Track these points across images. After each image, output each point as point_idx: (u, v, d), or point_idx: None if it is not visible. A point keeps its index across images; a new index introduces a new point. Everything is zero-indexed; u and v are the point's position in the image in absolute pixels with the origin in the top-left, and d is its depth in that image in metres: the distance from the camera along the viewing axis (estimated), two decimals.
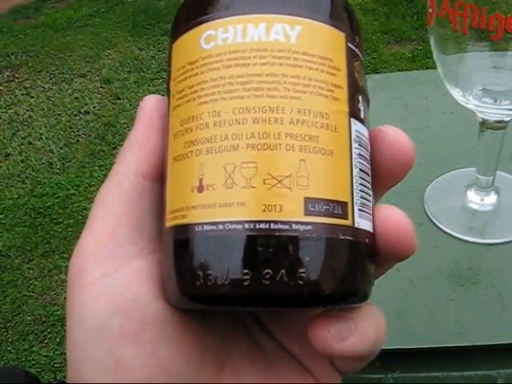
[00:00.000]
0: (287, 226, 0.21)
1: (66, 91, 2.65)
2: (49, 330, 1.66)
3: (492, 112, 0.45)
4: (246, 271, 0.20)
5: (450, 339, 0.45)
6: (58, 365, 1.58)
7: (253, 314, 0.27)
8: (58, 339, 1.63)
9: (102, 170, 2.18)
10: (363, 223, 0.23)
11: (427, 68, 2.38)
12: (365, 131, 0.24)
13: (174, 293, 0.22)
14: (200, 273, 0.21)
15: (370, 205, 0.24)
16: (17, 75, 2.83)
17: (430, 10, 0.42)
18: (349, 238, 0.22)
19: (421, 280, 0.50)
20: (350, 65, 0.24)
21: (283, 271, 0.20)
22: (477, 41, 0.40)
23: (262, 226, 0.21)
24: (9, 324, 1.69)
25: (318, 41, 0.23)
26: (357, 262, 0.23)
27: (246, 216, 0.21)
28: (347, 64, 0.24)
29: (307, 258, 0.21)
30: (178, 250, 0.22)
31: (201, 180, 0.22)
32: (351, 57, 0.24)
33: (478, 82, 0.45)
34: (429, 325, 0.46)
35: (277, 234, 0.21)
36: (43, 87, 2.71)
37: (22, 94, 2.68)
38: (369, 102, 0.26)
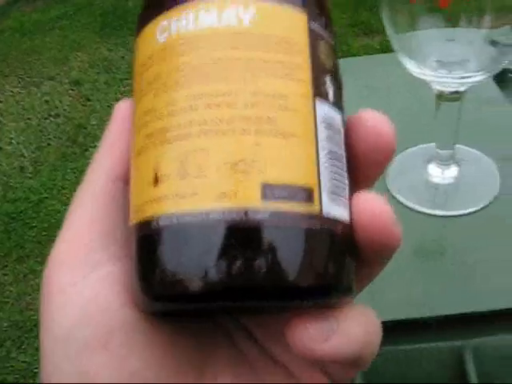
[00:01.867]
0: (242, 214, 0.19)
1: (35, 95, 2.63)
2: (26, 335, 1.64)
3: (447, 82, 0.45)
4: (203, 265, 0.19)
5: (418, 311, 0.45)
6: (37, 370, 1.56)
7: (236, 319, 0.26)
8: (35, 344, 1.61)
9: (75, 173, 2.16)
10: (335, 210, 0.21)
11: None
12: (335, 114, 0.23)
13: (140, 294, 0.21)
14: (160, 269, 0.20)
15: (345, 192, 0.22)
16: None
17: None
18: (316, 226, 0.20)
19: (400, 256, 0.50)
20: (313, 45, 0.23)
21: (240, 262, 0.19)
22: (427, 12, 0.40)
23: (216, 215, 0.19)
24: None
25: (275, 22, 0.22)
26: (327, 253, 0.21)
27: (200, 206, 0.20)
28: (310, 44, 0.23)
29: (265, 247, 0.19)
30: (140, 248, 0.21)
31: (156, 172, 0.21)
32: (315, 37, 0.23)
33: (432, 53, 0.45)
34: (396, 298, 0.47)
35: (233, 223, 0.19)
36: (12, 91, 2.67)
37: None
38: (341, 86, 0.24)
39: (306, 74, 0.22)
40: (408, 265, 0.49)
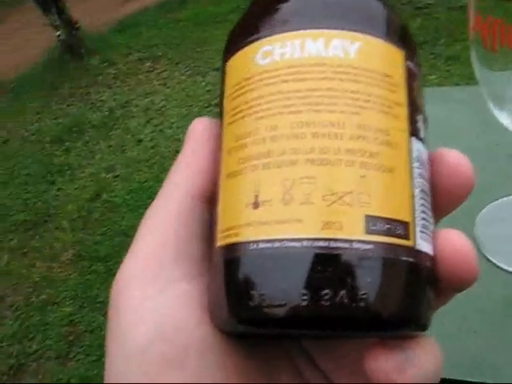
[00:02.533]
0: (347, 245, 0.20)
1: (199, 83, 2.77)
2: None
3: None
4: (303, 292, 0.19)
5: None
6: None
7: (299, 342, 0.26)
8: None
9: None
10: (424, 245, 0.22)
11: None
12: (424, 151, 0.23)
13: (225, 315, 0.21)
14: (254, 293, 0.20)
15: (431, 227, 0.23)
16: (156, 66, 3.00)
17: (470, 26, 0.40)
18: (411, 259, 0.21)
19: (472, 312, 0.48)
20: (409, 83, 0.23)
21: (343, 292, 0.19)
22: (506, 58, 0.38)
23: (321, 243, 0.20)
24: None
25: (378, 57, 0.23)
26: (419, 286, 0.21)
27: (305, 233, 0.20)
28: (406, 82, 0.23)
29: (368, 279, 0.20)
30: (230, 270, 0.21)
31: (256, 196, 0.21)
32: (410, 75, 0.24)
33: None
34: (479, 356, 0.45)
35: (337, 252, 0.20)
36: (179, 78, 2.84)
37: (160, 85, 2.84)
38: (427, 123, 0.25)
39: (404, 110, 0.23)
40: (492, 321, 0.47)
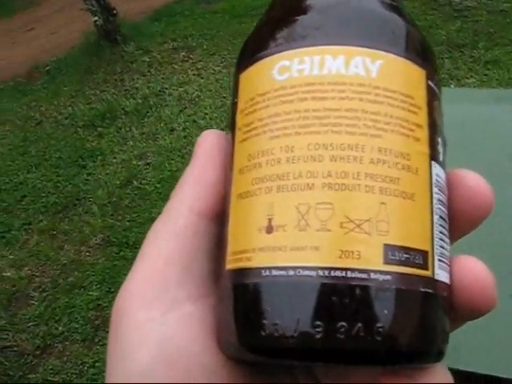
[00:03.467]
0: (365, 275, 0.19)
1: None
2: None
3: None
4: (318, 323, 0.19)
5: None
6: None
7: (307, 367, 0.25)
8: None
9: None
10: (442, 275, 0.21)
11: None
12: (443, 175, 0.23)
13: (233, 342, 0.21)
14: (266, 322, 0.19)
15: (448, 255, 0.22)
16: (191, 56, 2.99)
17: None
18: (429, 290, 0.20)
19: None
20: (430, 104, 0.22)
21: (360, 325, 0.19)
22: None
23: (338, 273, 0.19)
24: None
25: (399, 76, 0.22)
26: (436, 317, 0.21)
27: (321, 262, 0.19)
28: (427, 103, 0.22)
29: (386, 312, 0.19)
30: (241, 295, 0.21)
31: (270, 220, 0.20)
32: (431, 95, 0.23)
33: None
34: None
35: (354, 283, 0.19)
36: (214, 69, 2.84)
37: (194, 75, 2.83)
38: (446, 145, 0.24)
39: (424, 133, 0.22)
40: None
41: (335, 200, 0.20)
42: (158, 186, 2.18)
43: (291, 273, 0.19)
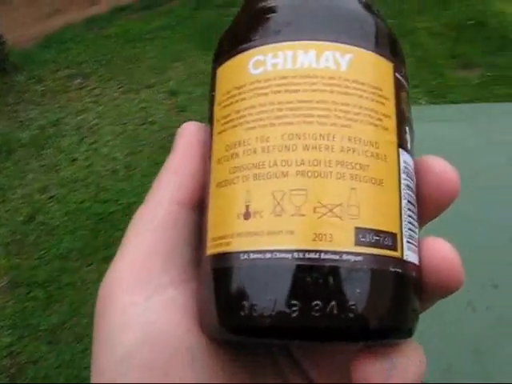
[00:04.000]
0: (337, 256, 0.20)
1: (133, 101, 2.72)
2: None
3: None
4: (294, 302, 0.20)
5: None
6: None
7: (284, 346, 0.26)
8: None
9: None
10: (411, 256, 0.22)
11: (496, 96, 2.34)
12: (411, 162, 0.24)
13: (214, 323, 0.22)
14: (245, 303, 0.20)
15: (417, 237, 0.23)
16: (87, 83, 2.92)
17: None
18: (398, 270, 0.21)
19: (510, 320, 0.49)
20: (397, 95, 0.24)
21: (333, 303, 0.20)
22: None
23: (312, 255, 0.20)
24: (65, 325, 1.73)
25: (368, 69, 0.23)
26: (406, 296, 0.22)
27: (296, 245, 0.20)
28: (395, 94, 0.24)
29: (358, 290, 0.20)
30: (221, 279, 0.22)
31: (247, 206, 0.21)
32: (398, 87, 0.24)
33: None
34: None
35: (327, 264, 0.20)
36: (111, 96, 2.78)
37: (91, 102, 2.76)
38: (413, 133, 0.25)
39: (392, 123, 0.23)
40: None
41: (308, 186, 0.21)
42: (65, 219, 2.10)
43: (268, 256, 0.20)
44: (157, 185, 0.25)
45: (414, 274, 0.22)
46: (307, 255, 0.20)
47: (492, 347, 0.47)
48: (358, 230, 0.21)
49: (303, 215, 0.21)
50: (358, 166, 0.21)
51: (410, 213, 0.23)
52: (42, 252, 1.98)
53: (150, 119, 2.58)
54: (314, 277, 0.20)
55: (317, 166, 0.21)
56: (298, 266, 0.20)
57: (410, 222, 0.23)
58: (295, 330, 0.20)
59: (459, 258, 0.22)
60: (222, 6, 3.42)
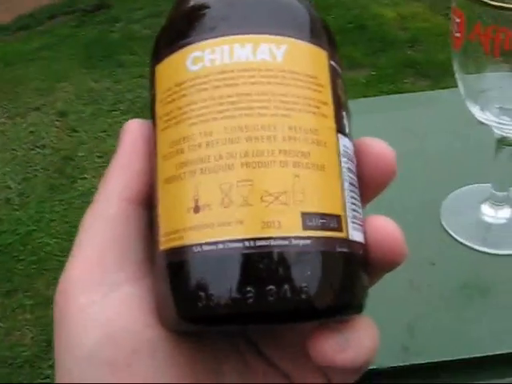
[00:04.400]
0: (287, 242, 0.21)
1: (20, 125, 2.60)
2: (17, 372, 1.60)
3: (509, 128, 0.47)
4: (249, 289, 0.21)
5: (470, 349, 0.46)
6: None
7: (243, 332, 0.27)
8: (25, 382, 1.57)
9: (63, 205, 2.13)
10: (356, 235, 0.23)
11: (381, 93, 2.45)
12: (350, 145, 0.25)
13: (174, 316, 0.22)
14: (202, 294, 0.21)
15: (361, 216, 0.24)
16: None
17: (458, 35, 0.44)
18: (345, 250, 0.22)
19: (452, 293, 0.51)
20: (333, 82, 0.24)
21: (286, 286, 0.21)
22: (503, 62, 0.42)
23: (263, 242, 0.21)
24: None
25: (303, 59, 0.24)
26: (354, 274, 0.23)
27: (246, 234, 0.21)
28: (331, 81, 0.24)
29: (309, 272, 0.21)
30: (177, 272, 0.22)
31: (196, 200, 0.22)
32: (334, 74, 0.25)
33: (496, 99, 0.46)
34: (455, 337, 0.47)
35: (278, 249, 0.21)
36: None
37: None
38: (350, 117, 0.26)
39: (330, 109, 0.24)
40: (456, 299, 0.51)
41: (254, 177, 0.21)
42: None
43: (220, 246, 0.21)
44: (105, 183, 0.25)
45: (360, 251, 0.23)
46: (258, 243, 0.21)
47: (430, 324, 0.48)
48: (305, 214, 0.21)
49: (251, 205, 0.21)
50: (299, 154, 0.22)
51: (353, 194, 0.24)
52: None
53: (41, 142, 2.48)
54: (265, 263, 0.21)
55: (260, 156, 0.22)
56: (250, 254, 0.21)
57: (353, 203, 0.24)
58: (252, 315, 0.21)
59: (401, 233, 0.24)
60: (104, 22, 3.36)
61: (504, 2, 0.41)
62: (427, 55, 2.62)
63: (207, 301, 0.21)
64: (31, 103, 2.73)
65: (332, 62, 0.25)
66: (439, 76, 2.39)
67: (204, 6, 0.25)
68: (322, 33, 0.26)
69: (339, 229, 0.22)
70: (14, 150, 2.46)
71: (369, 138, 0.25)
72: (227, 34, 0.24)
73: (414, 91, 2.35)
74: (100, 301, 0.22)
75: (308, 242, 0.21)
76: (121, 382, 0.21)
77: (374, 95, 2.39)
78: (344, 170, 0.24)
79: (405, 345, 0.46)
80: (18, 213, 2.13)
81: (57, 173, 2.30)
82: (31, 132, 2.55)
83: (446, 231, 0.56)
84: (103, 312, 0.22)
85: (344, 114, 0.25)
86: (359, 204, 0.24)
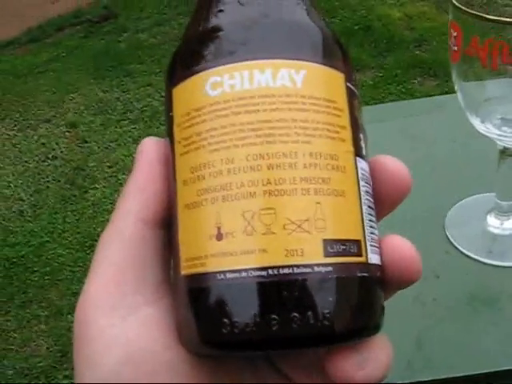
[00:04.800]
0: (310, 269, 0.21)
1: (31, 137, 2.62)
2: (32, 383, 1.61)
3: (510, 140, 0.46)
4: (273, 316, 0.21)
5: (478, 365, 0.46)
6: None
7: (264, 356, 0.27)
8: None
9: (75, 215, 2.14)
10: (374, 257, 0.23)
11: (389, 94, 2.44)
12: (367, 167, 0.25)
13: (196, 340, 0.23)
14: (226, 320, 0.21)
15: (377, 237, 0.24)
16: None
17: (456, 48, 0.44)
18: (365, 274, 0.23)
19: (458, 306, 0.51)
20: (350, 104, 0.24)
21: (310, 313, 0.21)
22: (502, 74, 0.42)
23: (286, 270, 0.21)
24: None
25: (322, 83, 0.24)
26: (373, 296, 0.23)
27: (270, 262, 0.21)
28: (348, 104, 0.24)
29: (331, 298, 0.21)
30: (200, 298, 0.23)
31: (219, 228, 0.22)
32: (351, 96, 0.25)
33: (497, 111, 0.46)
34: (462, 351, 0.47)
35: (301, 277, 0.21)
36: (8, 134, 2.67)
37: None
38: (367, 138, 0.26)
39: (348, 133, 0.24)
40: (462, 312, 0.50)
41: (276, 205, 0.22)
42: None
43: (244, 274, 0.21)
44: (121, 204, 0.25)
45: (378, 273, 0.24)
46: (281, 271, 0.21)
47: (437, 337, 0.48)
48: (326, 241, 0.22)
49: (274, 233, 0.21)
50: (320, 181, 0.22)
51: (371, 217, 0.24)
52: None
53: (52, 154, 2.50)
54: (289, 290, 0.21)
55: (282, 184, 0.22)
56: (274, 282, 0.21)
57: (371, 226, 0.24)
58: (276, 342, 0.21)
59: (416, 252, 0.24)
60: (112, 33, 3.38)
61: (500, 15, 0.41)
62: (435, 55, 2.60)
63: (232, 327, 0.21)
64: (42, 115, 2.75)
65: (349, 84, 0.25)
66: (447, 75, 2.37)
67: (221, 29, 0.25)
68: (338, 54, 0.25)
69: (359, 253, 0.23)
70: (25, 162, 2.47)
71: (383, 155, 0.26)
72: (246, 59, 0.23)
73: (422, 91, 2.34)
74: (119, 324, 0.23)
75: (330, 268, 0.22)
76: None
77: (382, 97, 2.39)
78: (363, 193, 0.24)
79: (411, 361, 0.46)
80: (31, 224, 2.14)
81: (68, 183, 2.31)
82: (42, 144, 2.57)
83: (451, 243, 0.55)
84: (124, 334, 0.23)
85: (361, 136, 0.25)
86: (375, 225, 0.25)
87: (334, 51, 0.25)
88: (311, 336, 0.21)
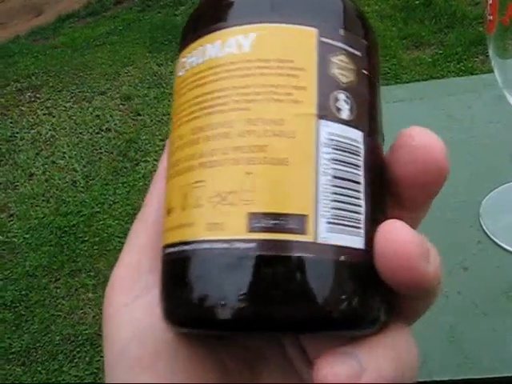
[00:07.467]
0: (228, 245, 0.20)
1: (86, 109, 2.67)
2: (78, 349, 1.66)
3: None
4: (186, 294, 0.20)
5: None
6: None
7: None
8: (87, 359, 1.63)
9: (126, 187, 2.18)
10: (337, 238, 0.20)
11: (448, 72, 2.36)
12: (352, 133, 0.22)
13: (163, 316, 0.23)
14: (163, 294, 0.22)
15: (360, 217, 0.21)
16: (38, 95, 2.86)
17: (491, 18, 0.40)
18: (309, 254, 0.19)
19: (484, 302, 0.47)
20: (322, 62, 0.22)
21: (227, 293, 0.20)
22: None
23: (206, 245, 0.20)
24: (38, 344, 1.69)
25: (276, 44, 0.22)
26: (331, 281, 0.20)
27: (192, 236, 0.21)
28: (318, 61, 0.22)
29: (249, 278, 0.19)
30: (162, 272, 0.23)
31: (169, 203, 0.22)
32: (326, 52, 0.22)
33: None
34: (495, 352, 0.44)
35: (218, 252, 0.20)
36: (64, 106, 2.73)
37: (44, 114, 2.71)
38: (361, 99, 0.23)
39: (308, 93, 0.21)
40: (499, 308, 0.46)
41: (207, 177, 0.21)
42: (27, 236, 2.05)
43: (171, 250, 0.21)
44: (150, 192, 0.26)
45: (342, 257, 0.20)
46: (202, 246, 0.20)
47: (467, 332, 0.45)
48: (252, 215, 0.20)
49: (201, 206, 0.21)
50: (255, 149, 0.20)
51: (341, 190, 0.21)
52: (7, 272, 1.93)
53: (106, 126, 2.54)
54: (204, 267, 0.20)
55: (214, 155, 0.21)
56: (196, 257, 0.20)
57: (337, 201, 0.20)
58: (196, 320, 0.21)
59: (419, 247, 0.19)
60: (169, 6, 3.39)
61: None
62: None
63: (161, 301, 0.22)
64: (97, 87, 2.80)
65: (324, 39, 0.22)
66: None
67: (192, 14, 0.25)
68: (307, 9, 0.23)
69: (301, 230, 0.20)
70: (80, 133, 2.53)
71: (411, 127, 0.21)
72: (200, 36, 0.23)
73: (483, 70, 2.25)
74: (131, 303, 0.24)
75: (252, 245, 0.19)
76: (144, 380, 0.22)
77: (441, 75, 2.32)
78: (325, 161, 0.21)
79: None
80: (83, 195, 2.19)
81: (120, 156, 2.35)
82: (97, 116, 2.62)
83: (485, 232, 0.51)
84: (133, 313, 0.23)
85: (340, 96, 0.22)
86: (357, 202, 0.21)
87: (299, 6, 0.23)
88: (228, 319, 0.19)
